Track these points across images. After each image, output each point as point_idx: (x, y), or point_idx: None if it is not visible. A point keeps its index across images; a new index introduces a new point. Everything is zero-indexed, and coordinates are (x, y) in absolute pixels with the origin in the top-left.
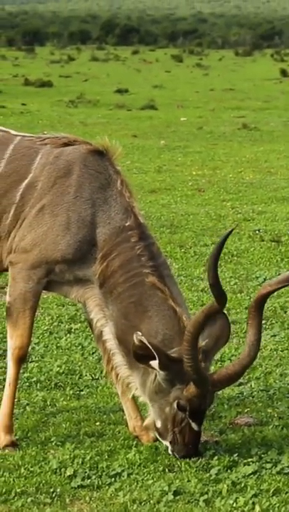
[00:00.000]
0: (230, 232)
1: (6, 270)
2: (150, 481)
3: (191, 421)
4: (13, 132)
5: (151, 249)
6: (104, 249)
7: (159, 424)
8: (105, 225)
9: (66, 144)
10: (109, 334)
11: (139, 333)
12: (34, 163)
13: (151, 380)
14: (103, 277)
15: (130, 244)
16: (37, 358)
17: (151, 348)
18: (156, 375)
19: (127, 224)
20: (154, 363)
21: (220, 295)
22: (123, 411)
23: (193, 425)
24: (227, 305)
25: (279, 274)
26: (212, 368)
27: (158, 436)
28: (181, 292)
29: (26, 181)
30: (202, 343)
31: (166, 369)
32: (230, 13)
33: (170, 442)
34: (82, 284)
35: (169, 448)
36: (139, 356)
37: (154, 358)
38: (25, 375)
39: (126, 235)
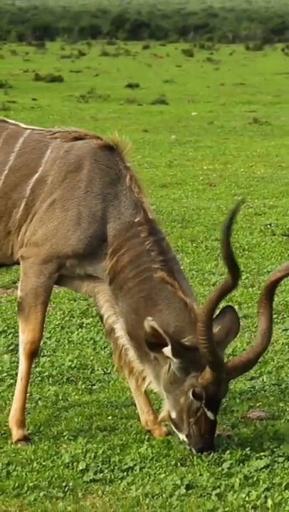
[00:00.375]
0: (242, 201)
1: (16, 263)
2: (162, 475)
3: (206, 410)
4: (22, 125)
5: (160, 245)
6: (114, 245)
7: (174, 415)
8: (115, 220)
9: (76, 138)
10: (120, 331)
11: (150, 318)
12: (44, 157)
13: (165, 370)
14: (113, 273)
15: (140, 240)
16: (49, 353)
17: (162, 333)
18: (170, 365)
19: (136, 219)
20: (167, 350)
21: (233, 269)
22: (135, 405)
23: (209, 414)
24: (239, 299)
25: None
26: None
27: (174, 429)
28: (191, 287)
29: (37, 175)
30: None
31: (179, 356)
32: (240, 7)
33: (186, 436)
34: (92, 279)
35: (186, 441)
36: (151, 345)
37: (166, 345)
38: (37, 369)
39: (136, 230)
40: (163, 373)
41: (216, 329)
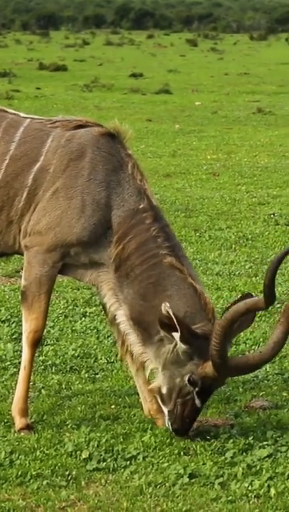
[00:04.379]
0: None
1: (17, 253)
2: (165, 464)
3: (196, 397)
4: (22, 115)
5: (166, 231)
6: (119, 232)
7: (164, 391)
8: (119, 207)
9: (77, 127)
10: (122, 317)
11: (167, 305)
12: (45, 146)
13: (169, 350)
14: (119, 260)
15: (145, 226)
16: (52, 342)
17: (175, 320)
18: (174, 346)
19: (141, 206)
20: (176, 335)
21: (270, 296)
22: (138, 394)
23: (197, 402)
24: (242, 289)
25: None
26: None
27: (159, 401)
28: (197, 273)
29: (38, 164)
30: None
31: (187, 343)
32: None
33: (168, 412)
34: (96, 267)
35: (166, 416)
36: (163, 324)
37: (177, 330)
38: (41, 358)
39: (140, 217)
40: (165, 352)
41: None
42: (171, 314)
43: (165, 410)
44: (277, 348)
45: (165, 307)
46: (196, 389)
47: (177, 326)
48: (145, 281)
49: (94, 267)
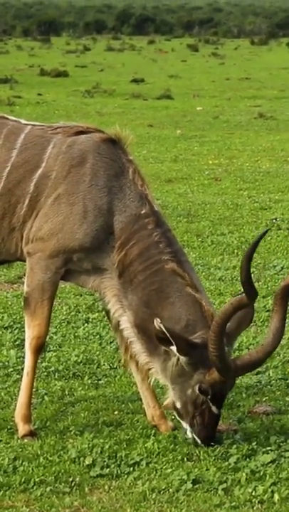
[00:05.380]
0: (266, 232)
1: (19, 260)
2: (169, 470)
3: (211, 404)
4: (23, 121)
5: (168, 236)
6: (121, 238)
7: (179, 405)
8: (121, 212)
9: (78, 133)
10: (126, 323)
11: (158, 320)
12: (46, 153)
13: (174, 363)
14: (122, 266)
15: (147, 232)
16: (55, 348)
17: (168, 334)
18: (178, 359)
19: (142, 211)
20: (173, 348)
21: (250, 291)
22: (141, 400)
23: (214, 408)
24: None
25: None
26: None
27: (177, 417)
28: (199, 278)
29: (40, 171)
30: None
31: (185, 354)
32: (245, 2)
33: (190, 425)
34: (99, 273)
35: (188, 430)
36: (160, 339)
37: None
38: (44, 364)
39: (142, 223)
40: (170, 366)
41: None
42: (164, 329)
43: (184, 424)
44: (278, 337)
45: (157, 323)
46: (209, 397)
47: (171, 340)
48: (148, 288)
49: (97, 273)
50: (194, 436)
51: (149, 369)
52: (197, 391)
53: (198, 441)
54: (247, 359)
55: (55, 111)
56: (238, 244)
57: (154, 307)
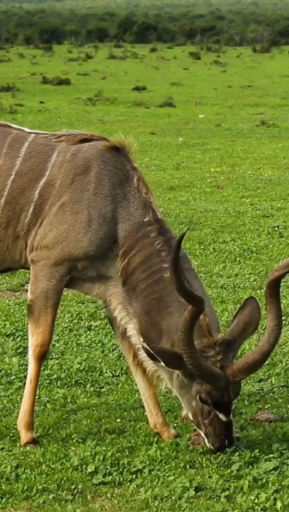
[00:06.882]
0: (183, 235)
1: (24, 267)
2: (171, 477)
3: (217, 412)
4: (26, 130)
5: (170, 244)
6: (124, 246)
7: (191, 417)
8: (125, 221)
9: (82, 141)
10: (133, 330)
11: (141, 339)
12: (51, 161)
13: (176, 375)
14: (125, 274)
15: (150, 240)
16: (57, 355)
17: (152, 352)
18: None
19: (146, 219)
20: (163, 364)
21: (190, 299)
22: (144, 408)
23: (221, 416)
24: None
25: None
26: None
27: (196, 428)
28: (203, 284)
29: (44, 179)
30: (219, 335)
31: (177, 367)
32: (247, 10)
33: (205, 434)
34: (104, 281)
35: (206, 440)
36: (151, 357)
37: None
38: (46, 372)
39: (145, 231)
40: (175, 377)
41: (232, 326)
42: (147, 347)
43: (202, 434)
44: (274, 336)
45: (141, 342)
46: (211, 406)
47: (156, 356)
48: (149, 297)
49: (101, 281)
50: (209, 445)
51: (159, 376)
52: (199, 401)
53: (213, 451)
54: (243, 362)
55: (57, 119)
56: (240, 252)
57: (154, 316)
